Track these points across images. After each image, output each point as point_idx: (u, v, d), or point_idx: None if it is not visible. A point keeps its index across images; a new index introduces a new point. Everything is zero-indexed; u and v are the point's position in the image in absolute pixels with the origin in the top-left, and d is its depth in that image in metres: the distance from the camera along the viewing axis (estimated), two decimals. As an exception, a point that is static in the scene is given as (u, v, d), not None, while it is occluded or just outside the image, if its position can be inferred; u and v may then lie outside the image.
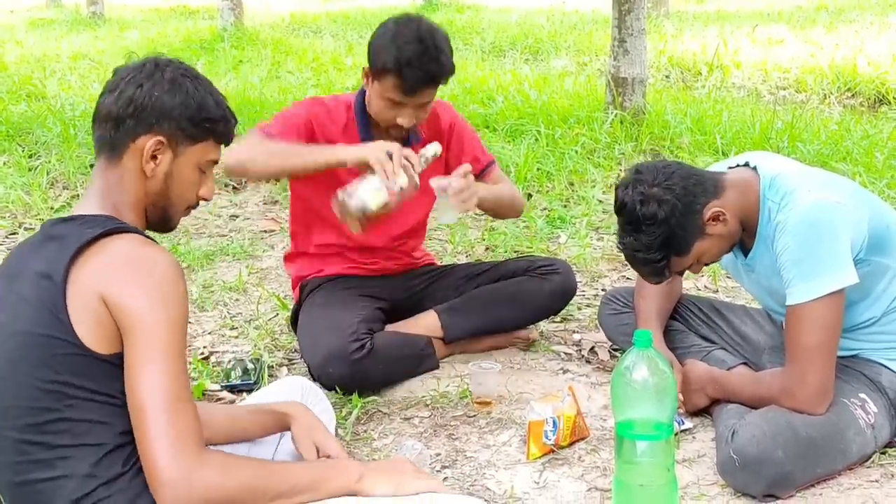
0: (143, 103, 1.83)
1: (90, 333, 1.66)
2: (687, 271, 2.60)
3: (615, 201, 2.48)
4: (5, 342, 1.72)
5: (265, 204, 5.37)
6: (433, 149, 2.80)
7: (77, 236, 1.72)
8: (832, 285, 2.31)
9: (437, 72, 2.85)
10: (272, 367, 3.18)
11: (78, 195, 5.32)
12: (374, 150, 2.68)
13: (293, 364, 3.24)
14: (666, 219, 2.39)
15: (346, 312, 2.97)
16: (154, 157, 1.85)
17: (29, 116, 7.16)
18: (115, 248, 1.71)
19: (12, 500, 1.73)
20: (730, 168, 2.61)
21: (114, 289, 1.66)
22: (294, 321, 3.22)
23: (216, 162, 1.96)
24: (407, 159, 2.67)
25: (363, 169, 2.68)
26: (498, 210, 3.19)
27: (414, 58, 2.79)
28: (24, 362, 1.68)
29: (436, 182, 2.77)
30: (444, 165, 3.13)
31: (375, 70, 2.88)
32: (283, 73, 9.76)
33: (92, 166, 5.75)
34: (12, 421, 1.69)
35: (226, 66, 10.15)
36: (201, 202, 1.98)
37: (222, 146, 1.96)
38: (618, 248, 2.56)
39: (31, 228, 4.78)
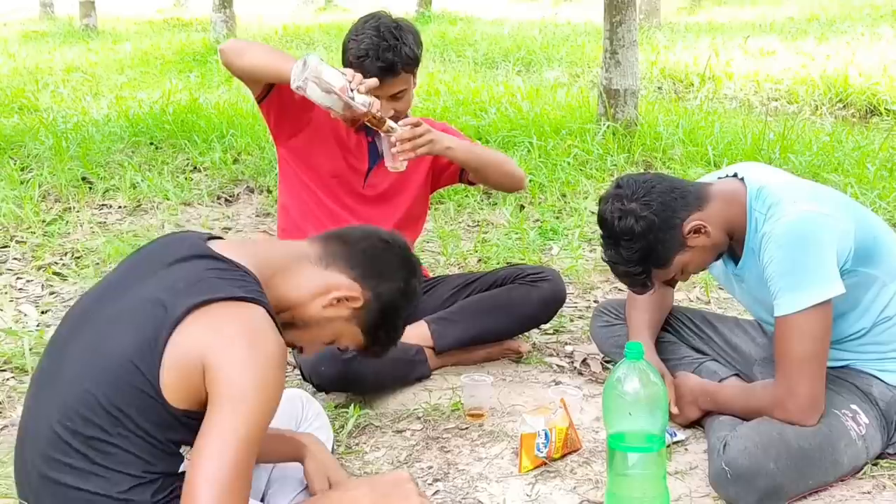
0: (390, 287, 1.94)
1: (173, 386, 1.64)
2: (679, 281, 2.61)
3: (597, 215, 2.51)
4: (97, 349, 1.70)
5: (257, 216, 5.36)
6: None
7: (212, 287, 1.69)
8: (819, 296, 2.31)
9: (393, 60, 2.94)
10: (264, 379, 3.17)
11: (70, 208, 5.32)
12: None
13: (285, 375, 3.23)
14: (643, 234, 2.41)
15: None
16: (334, 303, 1.87)
17: (21, 129, 7.18)
18: (239, 315, 1.68)
19: (38, 493, 1.72)
20: (719, 179, 2.62)
21: (219, 358, 1.63)
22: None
23: (348, 345, 2.01)
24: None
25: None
26: (484, 170, 3.14)
27: (371, 49, 2.91)
28: (101, 375, 1.67)
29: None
30: (433, 177, 3.27)
31: (345, 66, 2.98)
32: (276, 85, 9.75)
33: (84, 179, 5.80)
34: (63, 420, 1.68)
35: (218, 79, 10.15)
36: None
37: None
38: (602, 259, 2.58)
39: (22, 241, 4.78)
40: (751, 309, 2.79)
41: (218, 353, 1.62)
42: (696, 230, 2.44)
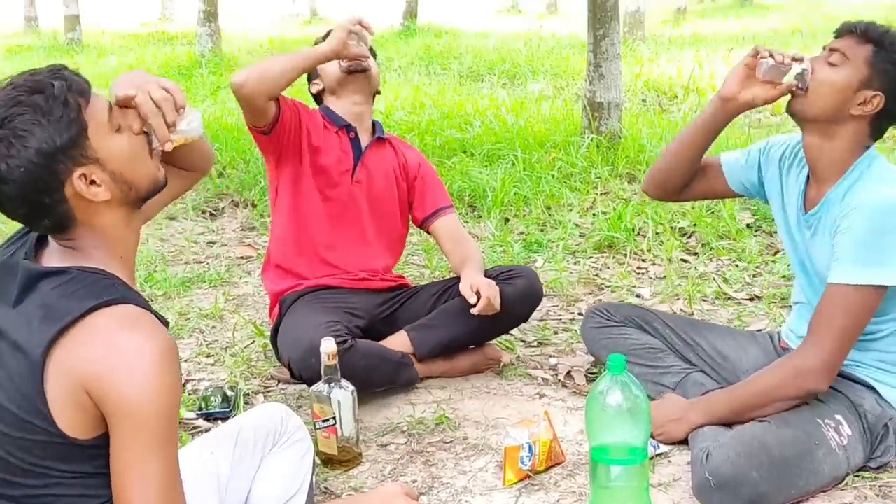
0: (27, 167, 1.58)
1: (72, 421, 1.57)
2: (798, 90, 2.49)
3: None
4: None
5: (242, 230, 5.36)
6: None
7: (61, 310, 1.57)
8: (881, 279, 2.35)
9: None
10: (248, 394, 3.17)
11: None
12: (337, 29, 3.07)
13: (269, 391, 3.24)
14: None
15: (327, 315, 3.00)
16: (93, 183, 1.64)
17: (5, 144, 7.14)
18: (102, 328, 1.56)
19: None
20: None
21: (98, 380, 1.53)
22: (274, 341, 3.20)
23: (111, 108, 1.71)
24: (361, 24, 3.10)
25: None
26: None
27: None
28: (3, 439, 1.60)
29: None
30: (408, 202, 3.41)
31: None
32: (262, 99, 9.74)
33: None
34: None
35: (204, 92, 10.16)
36: (165, 146, 1.78)
37: (100, 95, 1.71)
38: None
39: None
40: (800, 265, 2.72)
41: (96, 380, 1.53)
42: (866, 99, 2.42)
